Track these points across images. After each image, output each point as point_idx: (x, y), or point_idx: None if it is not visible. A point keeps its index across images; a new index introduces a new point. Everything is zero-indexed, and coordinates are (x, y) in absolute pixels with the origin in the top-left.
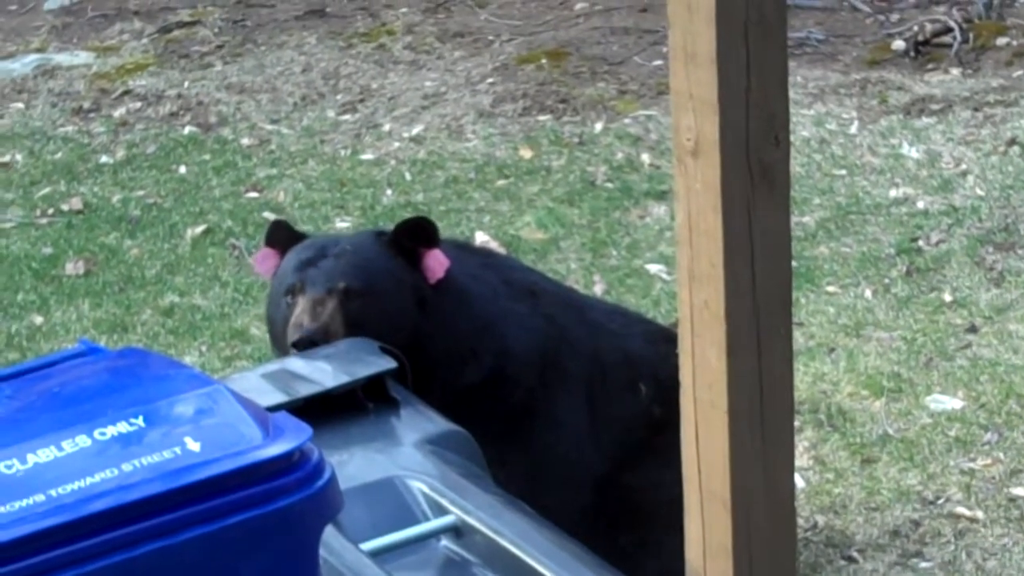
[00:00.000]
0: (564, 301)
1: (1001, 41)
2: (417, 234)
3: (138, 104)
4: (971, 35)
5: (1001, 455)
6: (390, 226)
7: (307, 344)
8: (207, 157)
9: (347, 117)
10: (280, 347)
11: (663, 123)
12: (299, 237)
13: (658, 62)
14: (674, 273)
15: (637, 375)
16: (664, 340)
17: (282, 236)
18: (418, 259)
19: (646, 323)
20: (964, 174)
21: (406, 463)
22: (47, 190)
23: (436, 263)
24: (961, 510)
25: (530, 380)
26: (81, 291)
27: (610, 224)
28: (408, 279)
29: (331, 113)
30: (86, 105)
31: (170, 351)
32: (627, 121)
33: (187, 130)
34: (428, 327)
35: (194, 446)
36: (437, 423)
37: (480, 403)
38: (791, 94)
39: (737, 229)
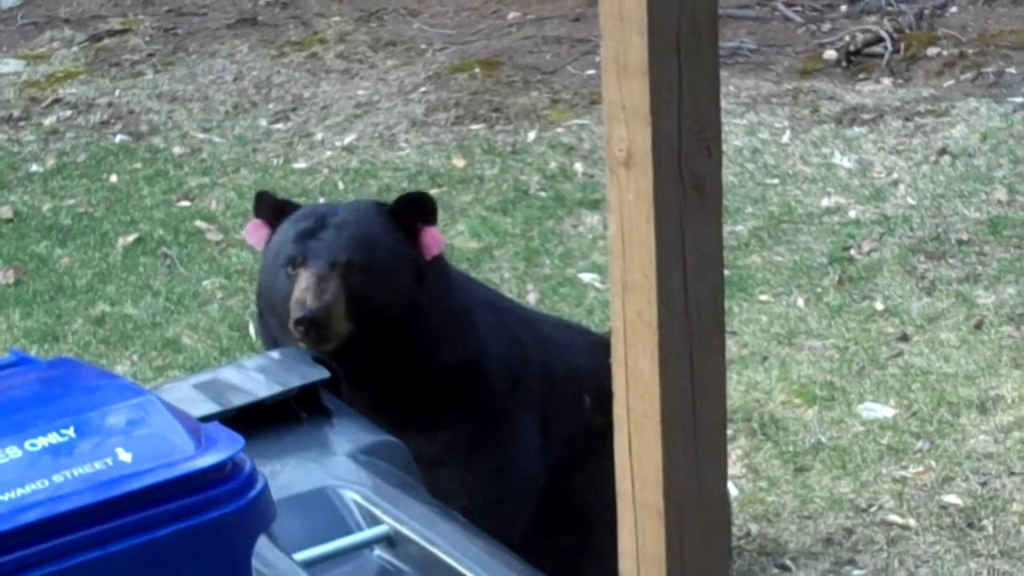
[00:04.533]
0: (519, 317)
1: (932, 51)
2: (416, 209)
3: (69, 112)
4: (902, 45)
5: (933, 463)
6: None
7: (309, 325)
8: (138, 166)
9: (279, 126)
10: (277, 319)
11: (596, 132)
12: (288, 206)
13: (591, 71)
14: (607, 282)
15: (581, 387)
16: (605, 350)
17: (270, 206)
18: (416, 234)
19: (587, 334)
20: (895, 183)
21: (339, 473)
22: None
23: (433, 240)
24: (893, 518)
25: (501, 386)
26: (11, 300)
27: (543, 233)
28: (407, 253)
29: (263, 122)
30: (16, 113)
31: (101, 361)
32: (560, 130)
33: (118, 139)
34: (423, 301)
35: (125, 457)
36: (370, 433)
37: (458, 393)
38: (723, 104)
39: (669, 239)
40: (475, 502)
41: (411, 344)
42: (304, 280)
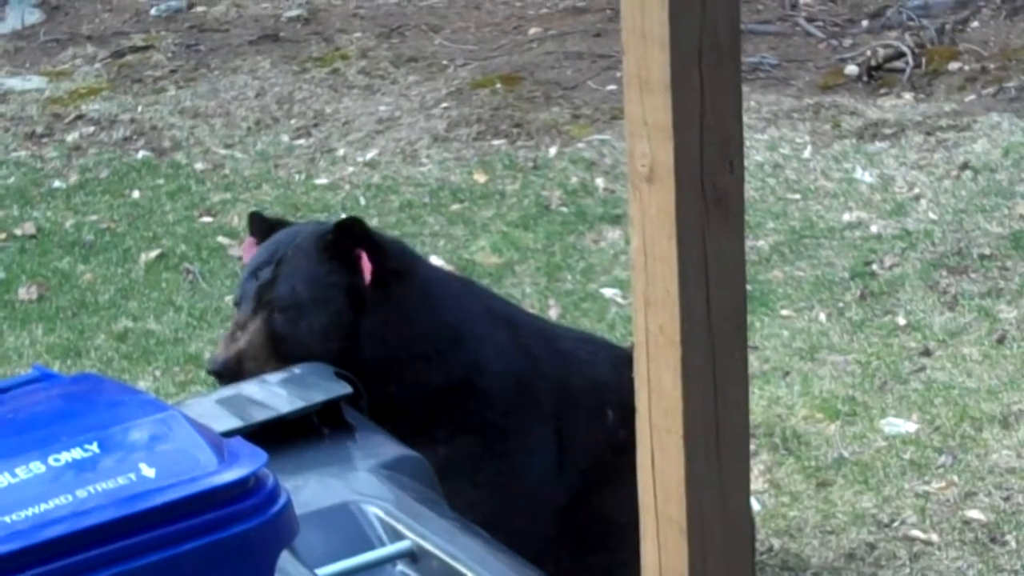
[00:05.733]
0: (538, 332)
1: (953, 66)
2: (349, 235)
3: (91, 129)
4: (923, 60)
5: (955, 478)
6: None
7: (218, 376)
8: (161, 182)
9: (301, 142)
10: None
11: (617, 147)
12: (275, 226)
13: (612, 87)
14: (629, 297)
15: (604, 402)
16: (629, 364)
17: (260, 226)
18: (356, 260)
19: (611, 348)
20: (917, 198)
21: (362, 488)
22: None
23: (363, 264)
24: (916, 533)
25: (504, 404)
26: (34, 316)
27: (565, 248)
28: (342, 282)
29: (285, 138)
30: (39, 130)
31: (124, 376)
32: (581, 145)
33: (141, 155)
34: (371, 327)
35: (149, 472)
36: (392, 448)
37: (450, 411)
38: (745, 119)
39: (692, 254)
40: (483, 517)
41: (370, 368)
42: (229, 327)
